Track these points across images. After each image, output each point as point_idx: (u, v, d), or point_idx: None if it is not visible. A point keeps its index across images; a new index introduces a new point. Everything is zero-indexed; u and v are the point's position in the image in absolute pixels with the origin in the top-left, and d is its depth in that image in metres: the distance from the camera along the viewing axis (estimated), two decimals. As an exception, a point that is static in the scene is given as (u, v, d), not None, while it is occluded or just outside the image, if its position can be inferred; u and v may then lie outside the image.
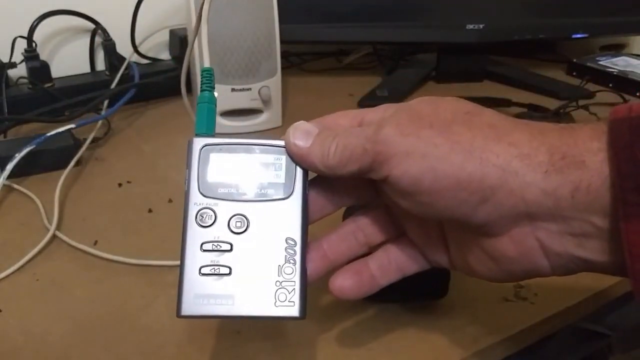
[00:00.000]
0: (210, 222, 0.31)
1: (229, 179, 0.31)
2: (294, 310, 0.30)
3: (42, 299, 0.43)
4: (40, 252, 0.48)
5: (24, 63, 0.72)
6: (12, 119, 0.65)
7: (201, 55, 0.65)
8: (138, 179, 0.60)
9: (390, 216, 0.36)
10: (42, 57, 0.74)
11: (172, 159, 0.64)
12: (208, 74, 0.35)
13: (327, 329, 0.40)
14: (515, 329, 0.41)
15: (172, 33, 0.83)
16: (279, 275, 0.30)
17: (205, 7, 0.45)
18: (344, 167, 0.31)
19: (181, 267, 0.31)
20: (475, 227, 0.30)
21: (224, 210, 0.31)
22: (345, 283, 0.34)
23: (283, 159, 0.32)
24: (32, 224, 0.52)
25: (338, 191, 0.35)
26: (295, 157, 0.32)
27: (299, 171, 0.32)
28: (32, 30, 0.72)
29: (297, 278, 0.31)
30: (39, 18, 0.72)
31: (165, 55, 0.87)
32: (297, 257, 0.31)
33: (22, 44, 0.72)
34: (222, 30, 0.63)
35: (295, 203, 0.32)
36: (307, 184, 0.33)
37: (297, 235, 0.31)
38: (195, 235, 0.31)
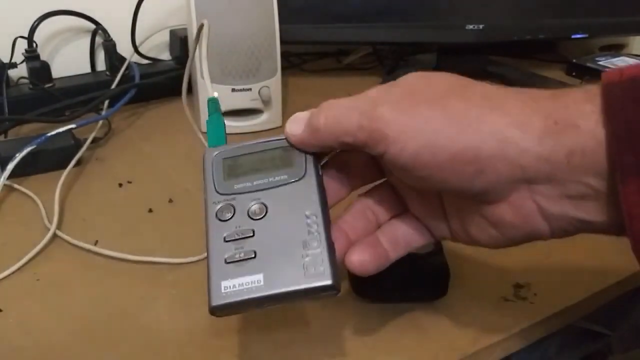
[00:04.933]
0: (230, 215, 0.32)
1: (242, 176, 0.33)
2: (325, 279, 0.29)
3: (42, 298, 0.43)
4: (40, 251, 0.48)
5: (24, 63, 0.72)
6: (13, 119, 0.66)
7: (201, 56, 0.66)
8: (138, 179, 0.60)
9: (394, 193, 0.37)
10: (43, 57, 0.74)
11: (173, 159, 0.64)
12: (213, 103, 0.40)
13: (327, 329, 0.40)
14: (515, 329, 0.41)
15: (173, 33, 0.83)
16: (304, 249, 0.30)
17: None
18: (337, 138, 0.31)
19: (208, 264, 0.31)
20: (474, 195, 0.30)
21: (242, 202, 0.32)
22: (364, 257, 0.34)
23: (289, 148, 0.33)
24: (33, 223, 0.52)
25: (348, 173, 0.36)
26: (295, 146, 0.33)
27: (308, 156, 0.33)
28: (32, 30, 0.72)
29: (323, 249, 0.30)
30: (39, 18, 0.72)
31: (165, 56, 0.87)
32: (321, 229, 0.31)
33: (22, 44, 0.72)
34: (222, 31, 0.63)
35: (309, 181, 0.32)
36: (320, 166, 0.34)
37: (317, 210, 0.31)
38: (217, 230, 0.31)
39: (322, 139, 0.32)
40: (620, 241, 0.50)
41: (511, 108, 0.29)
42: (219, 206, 0.32)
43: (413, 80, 0.31)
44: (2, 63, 0.71)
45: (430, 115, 0.29)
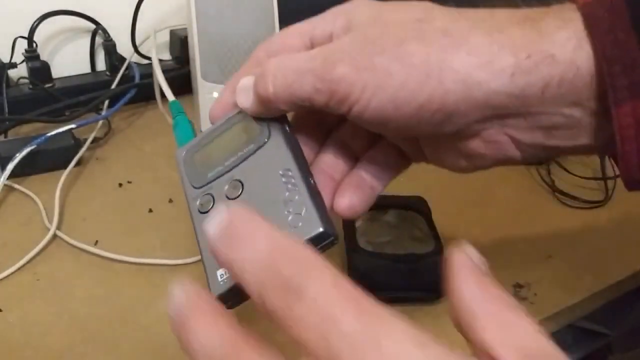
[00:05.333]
0: (211, 204, 0.31)
1: (213, 163, 0.32)
2: (314, 228, 0.27)
3: (42, 298, 0.43)
4: (40, 251, 0.48)
5: (24, 63, 0.72)
6: (13, 119, 0.65)
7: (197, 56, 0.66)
8: (138, 179, 0.60)
9: None
10: (43, 57, 0.74)
11: (173, 159, 0.63)
12: (175, 106, 0.43)
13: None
14: (515, 329, 0.41)
15: (173, 33, 0.83)
16: (287, 207, 0.28)
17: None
18: (292, 104, 0.29)
19: (202, 260, 0.30)
20: (445, 136, 0.29)
21: (218, 187, 0.31)
22: (354, 200, 0.33)
23: (249, 119, 0.32)
24: (33, 223, 0.52)
25: (321, 125, 0.35)
26: (253, 116, 0.31)
27: (271, 119, 0.31)
28: (32, 30, 0.71)
29: (306, 198, 0.28)
30: (39, 18, 0.72)
31: (165, 56, 0.87)
32: (299, 181, 0.29)
33: (22, 44, 0.72)
34: (222, 31, 0.63)
35: (276, 141, 0.30)
36: (286, 123, 0.32)
37: (289, 164, 0.29)
38: (202, 223, 0.30)
39: (275, 108, 0.30)
40: (620, 242, 0.50)
41: (476, 45, 0.27)
42: (198, 200, 0.31)
43: (368, 26, 0.29)
44: (2, 63, 0.70)
45: (391, 69, 0.27)
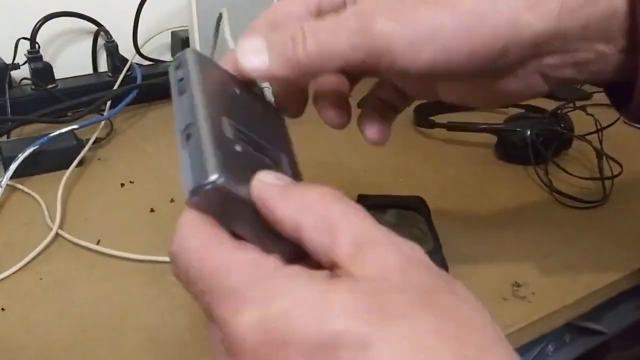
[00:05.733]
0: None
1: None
2: (209, 177, 0.23)
3: (45, 297, 0.44)
4: (43, 251, 0.49)
5: (27, 64, 0.73)
6: (16, 119, 0.66)
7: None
8: (140, 179, 0.60)
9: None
10: (45, 58, 0.74)
11: (174, 160, 0.63)
12: None
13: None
14: (513, 327, 0.41)
15: (174, 35, 0.84)
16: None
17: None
18: (322, 66, 0.27)
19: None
20: (479, 77, 0.30)
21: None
22: (384, 134, 0.35)
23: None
24: (35, 223, 0.52)
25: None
26: (261, 79, 0.29)
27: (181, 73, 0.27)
28: (35, 31, 0.72)
29: (201, 148, 0.24)
30: (42, 20, 0.73)
31: (167, 57, 0.87)
32: (197, 134, 0.25)
33: (25, 46, 0.72)
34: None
35: (179, 100, 0.27)
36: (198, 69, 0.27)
37: (190, 120, 0.26)
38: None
39: (301, 71, 0.27)
40: (617, 241, 0.50)
41: None
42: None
43: None
44: (5, 64, 0.71)
45: (440, 19, 0.26)
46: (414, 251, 0.23)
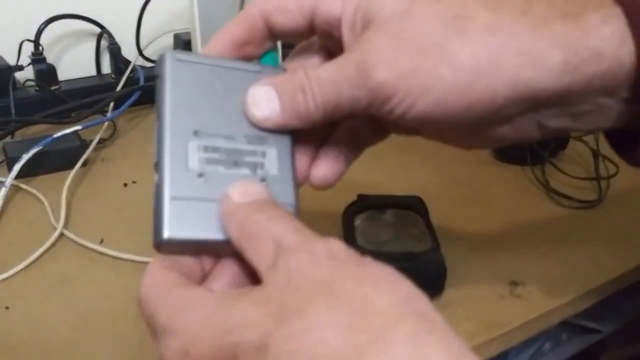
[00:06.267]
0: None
1: None
2: (163, 235, 0.27)
3: (48, 296, 0.44)
4: (47, 250, 0.49)
5: (31, 66, 0.73)
6: (20, 120, 0.66)
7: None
8: (143, 179, 0.61)
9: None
10: (49, 60, 0.75)
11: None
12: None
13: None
14: (510, 326, 0.42)
15: (177, 37, 0.84)
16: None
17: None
18: (327, 115, 0.28)
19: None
20: (476, 124, 0.29)
21: None
22: (328, 172, 0.32)
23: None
24: (40, 223, 0.53)
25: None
26: (271, 129, 0.29)
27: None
28: (38, 33, 0.73)
29: (159, 203, 0.28)
30: (45, 22, 0.73)
31: (169, 59, 0.88)
32: (160, 177, 0.28)
33: (29, 47, 0.73)
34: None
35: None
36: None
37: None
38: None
39: (312, 120, 0.28)
40: (613, 240, 0.51)
41: (525, 43, 0.26)
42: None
43: (394, 18, 0.27)
44: (9, 66, 0.72)
45: (437, 72, 0.26)
46: (327, 245, 0.23)
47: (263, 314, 0.21)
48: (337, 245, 0.23)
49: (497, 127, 0.30)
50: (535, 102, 0.27)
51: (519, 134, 0.30)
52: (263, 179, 0.28)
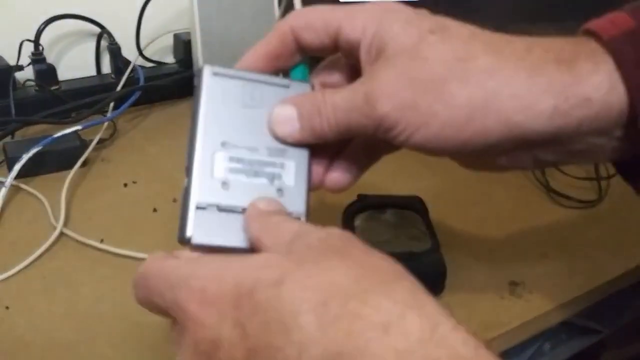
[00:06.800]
0: None
1: None
2: (186, 234, 0.30)
3: (49, 295, 0.44)
4: (47, 250, 0.49)
5: (30, 66, 0.73)
6: (20, 120, 0.66)
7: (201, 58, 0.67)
8: (143, 179, 0.61)
9: None
10: (49, 60, 0.75)
11: (177, 160, 0.64)
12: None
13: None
14: (510, 326, 0.42)
15: (177, 37, 0.84)
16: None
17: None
18: (344, 135, 0.31)
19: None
20: (475, 154, 0.31)
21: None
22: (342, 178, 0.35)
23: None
24: (40, 222, 0.53)
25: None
26: (291, 144, 0.32)
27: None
28: (38, 34, 0.73)
29: (186, 204, 0.30)
30: (45, 22, 0.73)
31: (169, 59, 0.88)
32: (189, 181, 0.31)
33: (29, 47, 0.73)
34: (225, 34, 0.64)
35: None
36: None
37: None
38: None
39: (326, 138, 0.31)
40: (613, 240, 0.51)
41: (519, 88, 0.28)
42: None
43: (404, 55, 0.29)
44: (9, 66, 0.72)
45: (434, 109, 0.28)
46: (340, 230, 0.27)
47: (285, 260, 0.25)
48: (349, 233, 0.27)
49: (495, 158, 0.32)
50: (528, 142, 0.29)
51: (517, 164, 0.32)
52: (279, 189, 0.31)
